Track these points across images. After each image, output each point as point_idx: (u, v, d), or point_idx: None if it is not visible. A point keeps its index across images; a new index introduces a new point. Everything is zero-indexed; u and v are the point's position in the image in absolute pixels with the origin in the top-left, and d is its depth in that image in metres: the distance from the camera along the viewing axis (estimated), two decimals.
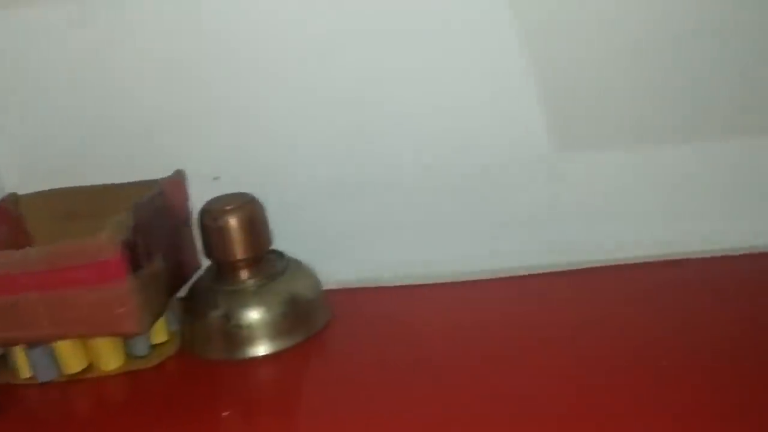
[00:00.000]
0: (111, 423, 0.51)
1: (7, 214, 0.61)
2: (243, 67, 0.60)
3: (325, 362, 0.55)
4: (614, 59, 0.58)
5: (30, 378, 0.55)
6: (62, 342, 0.54)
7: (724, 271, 0.58)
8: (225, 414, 0.48)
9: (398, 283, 0.61)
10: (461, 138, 0.60)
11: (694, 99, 0.58)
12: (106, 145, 0.63)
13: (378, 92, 0.59)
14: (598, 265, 0.60)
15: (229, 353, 0.55)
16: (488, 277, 0.61)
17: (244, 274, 0.56)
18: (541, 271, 0.60)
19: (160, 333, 0.56)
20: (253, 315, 0.54)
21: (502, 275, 0.61)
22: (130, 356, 0.55)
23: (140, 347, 0.55)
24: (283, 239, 0.58)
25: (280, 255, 0.58)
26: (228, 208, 0.54)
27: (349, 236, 0.62)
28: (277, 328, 0.55)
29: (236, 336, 0.54)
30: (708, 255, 0.59)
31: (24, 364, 0.55)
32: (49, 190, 0.62)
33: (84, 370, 0.55)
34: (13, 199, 0.62)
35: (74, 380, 0.55)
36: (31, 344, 0.54)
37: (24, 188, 0.63)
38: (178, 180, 0.60)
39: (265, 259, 0.57)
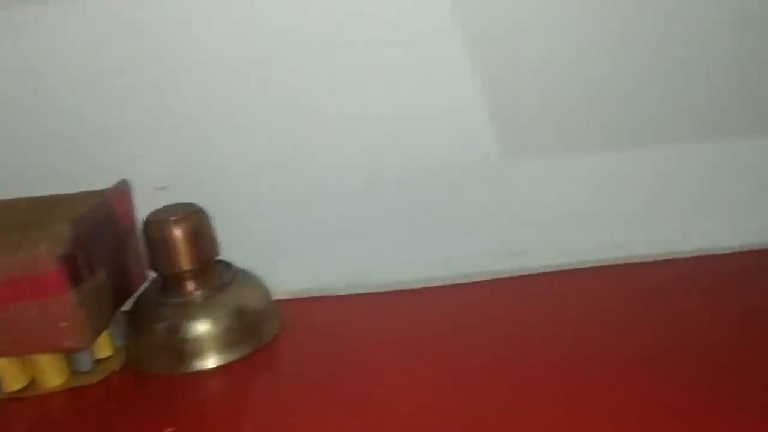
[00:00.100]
0: None
1: None
2: (188, 77, 0.59)
3: (274, 374, 0.54)
4: (559, 65, 0.58)
5: None
6: (2, 359, 0.52)
7: (667, 274, 0.59)
8: (168, 431, 0.47)
9: (349, 292, 0.61)
10: (408, 145, 0.59)
11: (637, 104, 0.59)
12: (49, 156, 0.61)
13: (324, 101, 0.59)
14: (547, 270, 0.60)
15: (176, 367, 0.53)
16: (439, 284, 0.61)
17: (190, 286, 0.54)
18: (490, 278, 0.60)
19: (104, 348, 0.55)
20: (200, 327, 0.53)
21: (453, 282, 0.61)
22: (73, 372, 0.54)
23: (84, 363, 0.54)
24: (232, 250, 0.57)
25: (227, 266, 0.57)
26: (173, 218, 0.53)
27: (298, 245, 0.61)
28: (225, 340, 0.54)
29: (182, 349, 0.53)
30: (652, 259, 0.60)
31: None
32: None
33: (25, 388, 0.53)
34: None
35: (15, 398, 0.53)
36: None
37: None
38: (122, 190, 0.59)
39: (212, 271, 0.56)
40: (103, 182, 0.58)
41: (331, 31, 0.57)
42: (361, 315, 0.59)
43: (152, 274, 0.57)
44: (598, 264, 0.60)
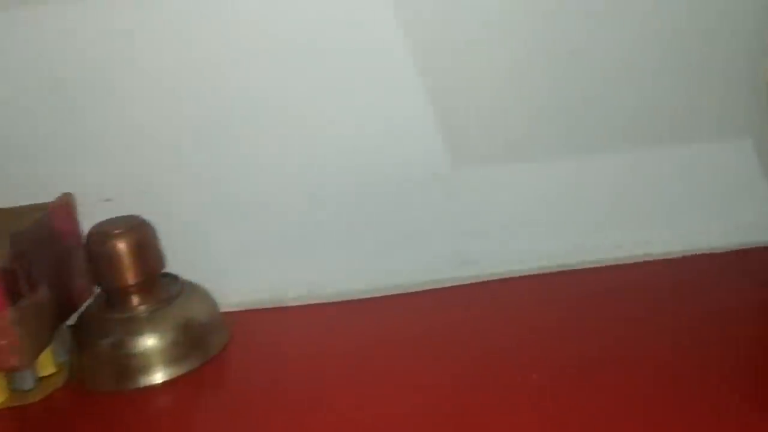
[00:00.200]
0: None
1: None
2: (133, 88, 0.58)
3: (222, 387, 0.53)
4: (507, 75, 0.58)
5: None
6: None
7: (615, 280, 0.59)
8: None
9: (300, 303, 0.60)
10: (356, 156, 0.59)
11: (585, 113, 0.59)
12: None
13: (272, 112, 0.58)
14: (497, 278, 0.60)
15: (121, 383, 0.52)
16: (390, 294, 0.60)
17: (135, 300, 0.54)
18: (441, 286, 0.60)
19: (46, 365, 0.54)
20: (146, 342, 0.52)
21: (404, 291, 0.60)
22: (14, 390, 0.52)
23: (25, 381, 0.52)
24: (179, 262, 0.57)
25: (174, 279, 0.56)
26: (116, 231, 0.52)
27: (247, 257, 0.61)
28: (172, 354, 0.53)
29: (128, 365, 0.52)
30: (601, 264, 0.60)
31: None
32: None
33: None
34: None
35: None
36: None
37: None
38: (66, 204, 0.58)
39: (158, 284, 0.55)
40: (46, 195, 0.57)
41: (278, 42, 0.57)
42: (311, 326, 0.59)
43: (97, 289, 0.56)
44: (547, 271, 0.60)
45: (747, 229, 0.62)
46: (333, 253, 0.62)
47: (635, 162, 0.60)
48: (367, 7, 0.56)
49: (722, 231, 0.61)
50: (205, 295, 0.56)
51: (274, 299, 0.61)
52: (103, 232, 0.53)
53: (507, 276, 0.61)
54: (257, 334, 0.58)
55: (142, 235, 0.53)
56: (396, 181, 0.60)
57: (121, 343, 0.52)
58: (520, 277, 0.61)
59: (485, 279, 0.61)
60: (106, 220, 0.54)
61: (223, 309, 0.58)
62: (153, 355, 0.52)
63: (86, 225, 0.56)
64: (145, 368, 0.52)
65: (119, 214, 0.55)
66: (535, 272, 0.61)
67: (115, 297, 0.54)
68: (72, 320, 0.56)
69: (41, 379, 0.54)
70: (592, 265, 0.61)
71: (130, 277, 0.53)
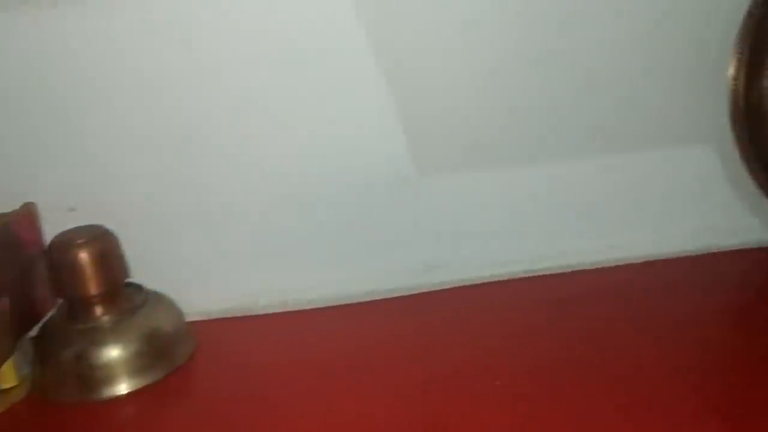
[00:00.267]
0: None
1: None
2: (96, 97, 0.58)
3: (188, 398, 0.53)
4: (474, 81, 0.59)
5: None
6: None
7: (579, 285, 0.60)
8: None
9: (268, 312, 0.60)
10: (323, 164, 0.59)
11: (548, 120, 0.60)
12: None
13: (240, 119, 0.58)
14: (463, 284, 0.61)
15: (85, 395, 0.52)
16: (360, 300, 0.60)
17: (98, 311, 0.53)
18: (410, 293, 0.60)
19: (8, 377, 0.53)
20: (109, 353, 0.52)
21: (373, 298, 0.60)
22: None
23: None
24: (145, 272, 0.56)
25: (138, 288, 0.56)
26: (78, 241, 0.52)
27: (215, 265, 0.60)
28: (136, 365, 0.52)
29: (91, 376, 0.51)
30: (564, 270, 0.61)
31: None
32: None
33: None
34: None
35: None
36: None
37: None
38: (28, 213, 0.57)
39: (122, 294, 0.54)
40: (8, 205, 0.56)
41: (248, 50, 0.56)
42: (281, 335, 0.58)
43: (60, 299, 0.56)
44: (515, 277, 0.61)
45: (715, 232, 0.62)
46: (302, 261, 0.61)
47: (603, 167, 0.61)
48: (334, 14, 0.56)
49: (690, 234, 0.62)
50: (171, 304, 0.56)
51: (243, 308, 0.61)
52: (66, 242, 0.52)
53: (475, 282, 0.61)
54: (225, 344, 0.57)
55: (105, 245, 0.53)
56: (364, 189, 0.60)
57: (85, 354, 0.52)
58: (488, 283, 0.61)
59: (454, 285, 0.61)
60: (69, 229, 0.53)
61: (191, 318, 0.58)
62: (117, 365, 0.52)
63: (50, 235, 0.55)
64: (109, 379, 0.52)
65: (83, 224, 0.54)
66: (504, 278, 0.61)
67: (78, 307, 0.53)
68: (34, 331, 0.55)
69: (3, 391, 0.53)
70: (560, 270, 0.61)
71: (94, 287, 0.52)
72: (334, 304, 0.60)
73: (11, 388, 0.53)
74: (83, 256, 0.52)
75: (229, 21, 0.56)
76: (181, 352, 0.55)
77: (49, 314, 0.56)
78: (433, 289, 0.61)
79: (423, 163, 0.60)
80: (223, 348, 0.57)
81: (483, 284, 0.61)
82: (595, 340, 0.52)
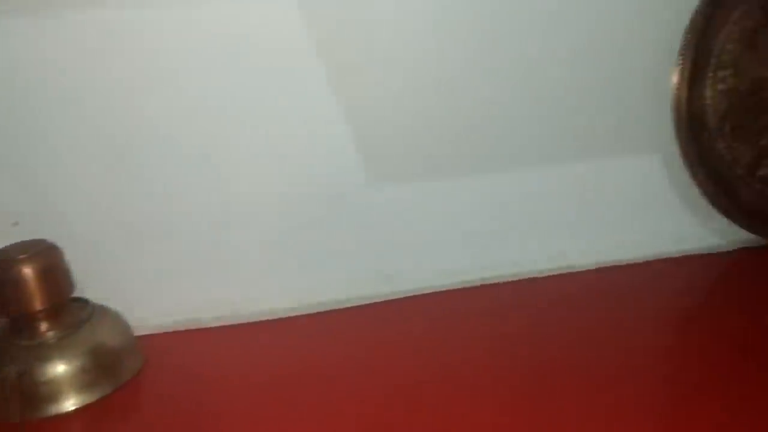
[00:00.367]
0: None
1: None
2: (39, 110, 0.56)
3: (136, 413, 0.52)
4: (422, 94, 0.59)
5: None
6: None
7: (531, 293, 0.60)
8: None
9: (219, 324, 0.60)
10: (274, 174, 0.59)
11: (496, 129, 0.60)
12: None
13: (187, 132, 0.58)
14: (416, 294, 0.61)
15: (30, 413, 0.51)
16: (313, 311, 0.60)
17: (43, 327, 0.52)
18: (364, 303, 0.60)
19: None
20: (54, 369, 0.51)
21: (326, 309, 0.60)
22: None
23: None
24: (89, 286, 0.55)
25: (83, 303, 0.55)
26: (22, 256, 0.51)
27: (161, 278, 0.60)
28: (82, 381, 0.51)
29: (35, 394, 0.50)
30: (517, 278, 0.61)
31: None
32: None
33: None
34: None
35: None
36: None
37: None
38: None
39: (67, 309, 0.53)
40: None
41: (186, 64, 0.56)
42: (230, 347, 0.58)
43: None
44: (466, 286, 0.61)
45: (662, 239, 0.63)
46: (254, 272, 0.61)
47: (549, 177, 0.62)
48: (280, 25, 0.56)
49: (635, 243, 0.63)
50: (117, 319, 0.55)
51: (192, 320, 0.60)
52: (9, 258, 0.51)
53: (430, 291, 0.61)
54: (174, 357, 0.57)
55: (49, 260, 0.52)
56: (317, 199, 0.60)
57: (29, 371, 0.51)
58: (442, 292, 0.61)
59: (407, 295, 0.61)
60: (12, 244, 0.52)
61: (140, 332, 0.57)
62: (62, 382, 0.51)
63: None
64: (55, 396, 0.51)
65: (26, 239, 0.53)
66: (457, 287, 0.61)
67: (22, 323, 0.52)
68: None
69: None
70: (511, 279, 0.62)
71: (38, 303, 0.51)
72: (286, 315, 0.60)
73: None
74: (27, 271, 0.51)
75: (178, 31, 0.55)
76: (129, 366, 0.54)
77: None
78: (387, 298, 0.61)
79: (377, 172, 0.60)
80: (172, 362, 0.56)
81: (437, 293, 0.61)
82: (547, 347, 0.53)
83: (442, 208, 0.61)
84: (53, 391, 0.51)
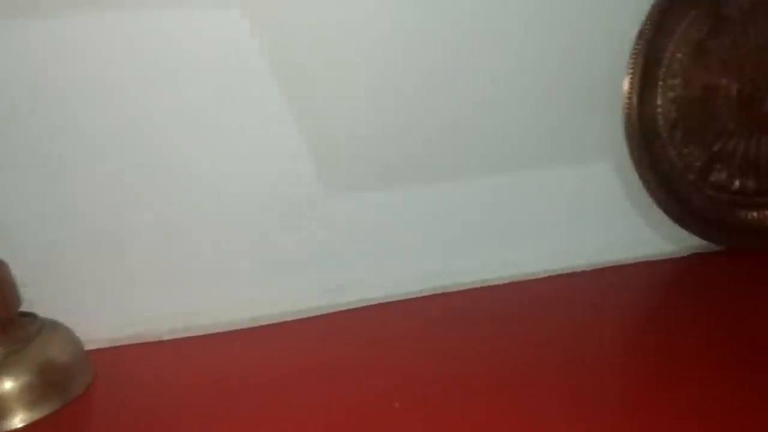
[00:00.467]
0: None
1: None
2: None
3: (85, 428, 0.51)
4: (374, 102, 0.59)
5: None
6: None
7: (483, 300, 0.61)
8: None
9: (170, 336, 0.59)
10: (226, 184, 0.59)
11: (451, 140, 0.60)
12: None
13: (138, 142, 0.57)
14: (373, 303, 0.61)
15: None
16: (266, 323, 0.60)
17: None
18: (316, 314, 0.60)
19: None
20: (2, 385, 0.50)
21: (279, 320, 0.60)
22: None
23: None
24: (38, 300, 0.54)
25: (32, 317, 0.54)
26: None
27: (113, 290, 0.59)
28: (30, 397, 0.50)
29: None
30: (469, 287, 0.62)
31: None
32: None
33: None
34: None
35: None
36: None
37: None
38: None
39: (15, 324, 0.52)
40: None
41: (135, 72, 0.55)
42: (184, 360, 0.57)
43: None
44: (419, 295, 0.61)
45: (616, 246, 0.64)
46: (207, 283, 0.60)
47: (502, 185, 0.62)
48: (230, 34, 0.56)
49: (588, 250, 0.63)
50: (67, 333, 0.54)
51: (146, 333, 0.59)
52: None
53: (383, 301, 0.61)
54: (126, 371, 0.56)
55: None
56: (271, 209, 0.60)
57: None
58: (395, 302, 0.61)
59: (360, 305, 0.61)
60: None
61: (92, 346, 0.56)
62: (10, 398, 0.50)
63: None
64: (2, 413, 0.50)
65: None
66: (413, 296, 0.62)
67: None
68: None
69: None
70: (467, 287, 0.62)
71: None
72: (241, 327, 0.59)
73: None
74: None
75: (125, 40, 0.55)
76: (79, 381, 0.53)
77: None
78: (342, 309, 0.61)
79: (325, 184, 0.60)
80: (124, 375, 0.55)
81: (391, 303, 0.61)
82: (500, 355, 0.53)
83: (396, 217, 0.61)
84: (0, 408, 0.50)
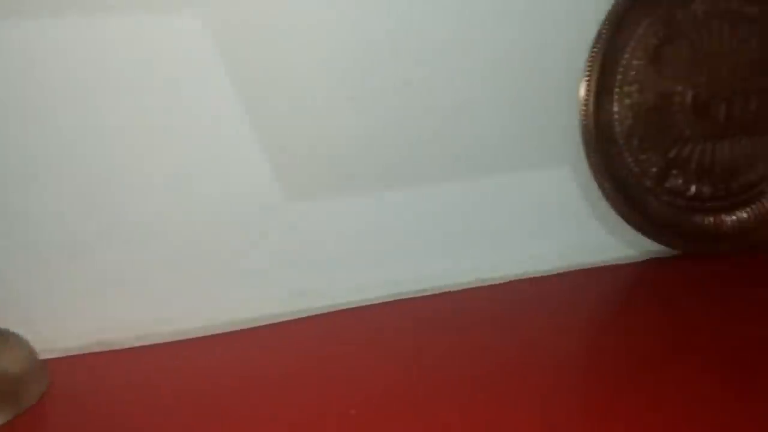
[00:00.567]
0: None
1: None
2: None
3: None
4: (335, 108, 0.59)
5: None
6: None
7: (444, 307, 0.61)
8: None
9: (127, 345, 0.58)
10: (186, 190, 0.58)
11: (411, 146, 0.61)
12: None
13: (93, 149, 0.56)
14: (335, 309, 0.61)
15: None
16: (228, 330, 0.59)
17: None
18: (279, 320, 0.60)
19: None
20: None
21: (241, 327, 0.60)
22: None
23: None
24: None
25: None
26: None
27: (69, 300, 0.58)
28: None
29: None
30: (434, 292, 0.62)
31: None
32: None
33: None
34: None
35: None
36: None
37: None
38: None
39: None
40: None
41: (93, 76, 0.55)
42: (140, 369, 0.56)
43: None
44: (381, 301, 0.61)
45: (570, 252, 0.65)
46: (165, 292, 0.60)
47: (468, 191, 0.62)
48: (188, 39, 0.56)
49: (547, 256, 0.64)
50: (19, 342, 0.54)
51: (103, 343, 0.59)
52: None
53: (343, 308, 0.61)
54: (82, 380, 0.55)
55: None
56: (229, 216, 0.59)
57: None
58: (356, 309, 0.61)
59: (323, 311, 0.61)
60: None
61: (47, 356, 0.56)
62: None
63: None
64: None
65: None
66: (373, 302, 0.62)
67: None
68: None
69: None
70: (430, 293, 0.62)
71: None
72: (199, 335, 0.59)
73: None
74: None
75: (88, 47, 0.54)
76: (32, 391, 0.52)
77: None
78: (302, 315, 0.60)
79: (287, 190, 0.59)
80: (79, 385, 0.54)
81: (352, 310, 0.61)
82: (460, 361, 0.53)
83: (355, 224, 0.61)
84: None
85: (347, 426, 0.47)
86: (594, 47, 0.60)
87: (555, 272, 0.63)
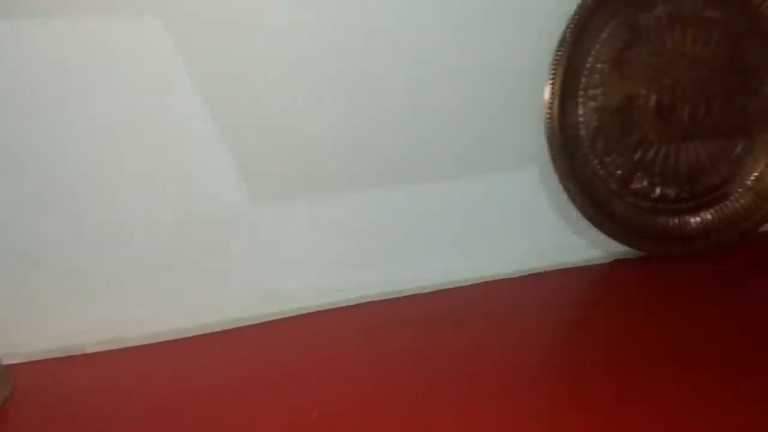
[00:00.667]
0: None
1: None
2: None
3: None
4: (303, 112, 0.59)
5: None
6: None
7: (417, 307, 0.61)
8: None
9: (92, 350, 0.58)
10: (154, 195, 0.58)
11: (377, 149, 0.61)
12: None
13: (58, 153, 0.56)
14: (303, 312, 0.61)
15: None
16: (198, 333, 0.59)
17: None
18: (248, 323, 0.60)
19: None
20: None
21: (211, 330, 0.59)
22: None
23: None
24: None
25: None
26: None
27: (32, 304, 0.58)
28: None
29: None
30: (402, 294, 0.62)
31: None
32: None
33: None
34: None
35: None
36: None
37: None
38: None
39: None
40: None
41: (76, 80, 0.55)
42: (107, 374, 0.56)
43: None
44: (351, 303, 0.62)
45: (542, 253, 0.65)
46: (134, 295, 0.60)
47: (432, 194, 0.63)
48: (153, 44, 0.55)
49: (515, 258, 0.64)
50: None
51: (70, 347, 0.58)
52: None
53: (314, 310, 0.61)
54: (46, 385, 0.55)
55: None
56: (197, 219, 0.59)
57: None
58: (326, 311, 0.61)
59: (292, 314, 0.61)
60: None
61: (11, 361, 0.55)
62: None
63: None
64: None
65: None
66: (341, 305, 0.62)
67: None
68: None
69: None
70: (397, 295, 0.62)
71: None
72: (169, 338, 0.59)
73: None
74: None
75: (42, 49, 0.54)
76: None
77: None
78: (272, 318, 0.60)
79: (255, 194, 0.59)
80: (43, 390, 0.54)
81: (322, 312, 0.61)
82: (431, 361, 0.53)
83: (324, 226, 0.61)
84: None
85: (347, 423, 0.47)
86: (558, 51, 0.61)
87: (523, 273, 0.64)
